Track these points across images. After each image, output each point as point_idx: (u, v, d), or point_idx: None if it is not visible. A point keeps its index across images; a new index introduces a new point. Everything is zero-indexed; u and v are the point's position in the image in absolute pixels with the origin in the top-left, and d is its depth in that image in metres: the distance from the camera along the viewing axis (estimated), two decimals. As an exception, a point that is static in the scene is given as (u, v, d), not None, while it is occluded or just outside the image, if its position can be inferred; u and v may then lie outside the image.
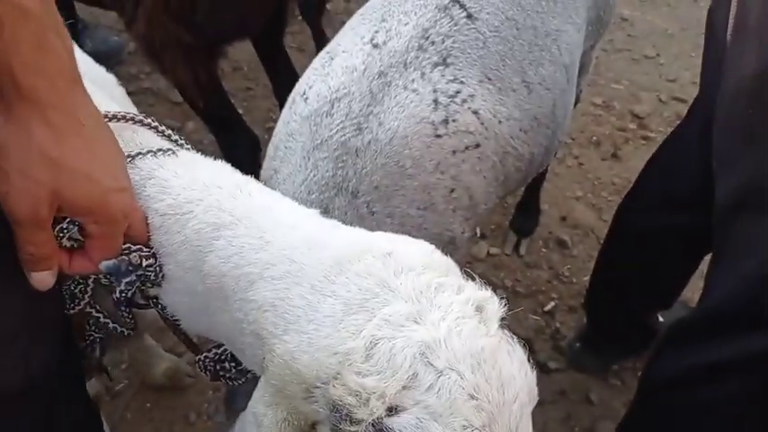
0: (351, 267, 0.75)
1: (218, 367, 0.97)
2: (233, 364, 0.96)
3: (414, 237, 1.26)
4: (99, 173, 0.76)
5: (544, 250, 2.58)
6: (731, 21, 1.31)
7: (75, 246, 0.83)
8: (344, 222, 1.15)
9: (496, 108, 1.33)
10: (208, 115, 2.03)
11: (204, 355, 0.98)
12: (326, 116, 1.22)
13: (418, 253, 0.79)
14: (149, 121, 0.93)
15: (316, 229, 0.83)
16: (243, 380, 0.98)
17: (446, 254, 1.33)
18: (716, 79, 1.35)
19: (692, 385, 1.42)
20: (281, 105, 2.38)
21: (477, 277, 0.83)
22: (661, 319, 2.11)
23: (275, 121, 2.83)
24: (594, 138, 2.98)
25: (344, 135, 1.20)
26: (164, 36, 1.74)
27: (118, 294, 0.88)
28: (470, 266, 2.75)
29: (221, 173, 0.90)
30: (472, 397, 0.69)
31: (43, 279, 0.80)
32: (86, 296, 0.93)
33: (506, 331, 0.78)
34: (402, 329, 0.70)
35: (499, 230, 2.62)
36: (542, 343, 2.27)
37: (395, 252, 0.78)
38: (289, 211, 0.87)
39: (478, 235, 2.59)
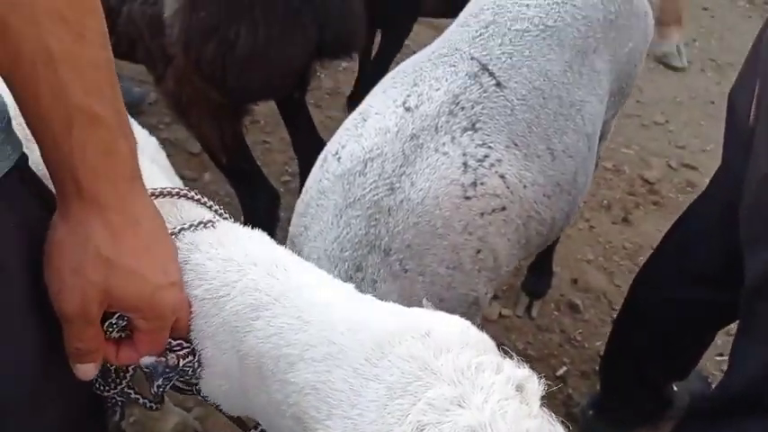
0: (392, 350, 0.75)
1: None
2: None
3: (443, 296, 1.28)
4: (150, 270, 0.75)
5: (556, 313, 2.57)
6: (754, 103, 1.34)
7: (123, 336, 0.82)
8: (378, 280, 1.15)
9: (522, 173, 1.36)
10: (230, 169, 2.06)
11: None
12: (360, 175, 1.25)
13: (456, 330, 0.79)
14: (192, 194, 0.93)
15: (353, 308, 0.83)
16: None
17: (471, 314, 1.34)
18: (739, 158, 1.38)
19: None
20: (300, 159, 2.44)
21: (515, 357, 0.83)
22: (675, 388, 2.10)
23: (291, 174, 2.91)
24: (605, 201, 3.00)
25: (377, 194, 1.22)
26: (192, 94, 1.78)
27: (155, 389, 0.87)
28: (482, 328, 2.74)
29: (257, 248, 0.89)
30: None
31: (87, 371, 0.79)
32: (125, 381, 0.91)
33: (546, 410, 0.78)
34: (447, 414, 0.69)
35: (511, 291, 2.61)
36: (554, 408, 2.22)
37: (433, 331, 0.77)
38: (324, 287, 0.86)
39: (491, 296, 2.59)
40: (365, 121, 1.34)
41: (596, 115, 1.53)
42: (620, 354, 1.98)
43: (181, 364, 0.84)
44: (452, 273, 1.28)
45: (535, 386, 0.77)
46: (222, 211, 0.97)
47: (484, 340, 0.82)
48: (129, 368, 0.90)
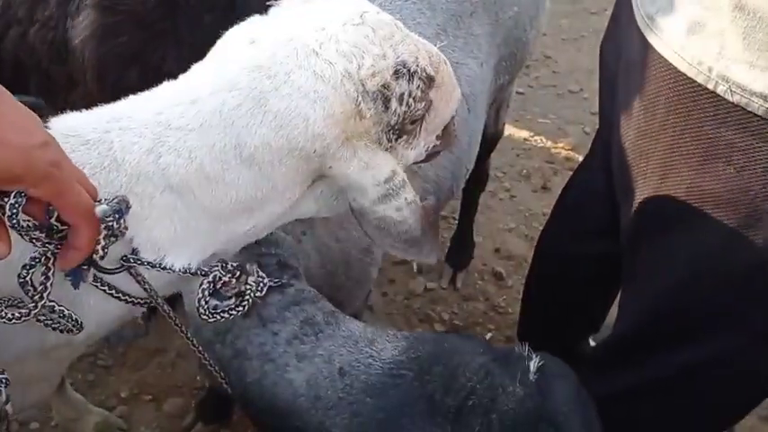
0: None
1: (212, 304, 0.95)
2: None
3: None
4: (12, 134, 0.71)
5: (480, 282, 2.62)
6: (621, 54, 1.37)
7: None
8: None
9: None
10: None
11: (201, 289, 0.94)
12: None
13: None
14: None
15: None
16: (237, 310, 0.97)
17: (364, 263, 1.37)
18: (611, 110, 1.42)
19: (612, 409, 1.45)
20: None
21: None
22: (592, 342, 2.15)
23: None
24: (525, 171, 3.06)
25: None
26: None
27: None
28: (408, 302, 2.74)
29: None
30: None
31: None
32: (45, 294, 0.86)
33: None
34: None
35: (435, 265, 2.65)
36: (480, 373, 2.28)
37: None
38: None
39: (416, 270, 2.62)
40: None
41: (475, 78, 1.56)
42: (532, 315, 2.03)
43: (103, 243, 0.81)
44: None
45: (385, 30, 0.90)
46: None
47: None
48: (47, 283, 0.84)
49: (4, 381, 0.95)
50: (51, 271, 0.82)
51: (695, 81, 1.10)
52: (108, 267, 0.86)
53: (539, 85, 3.52)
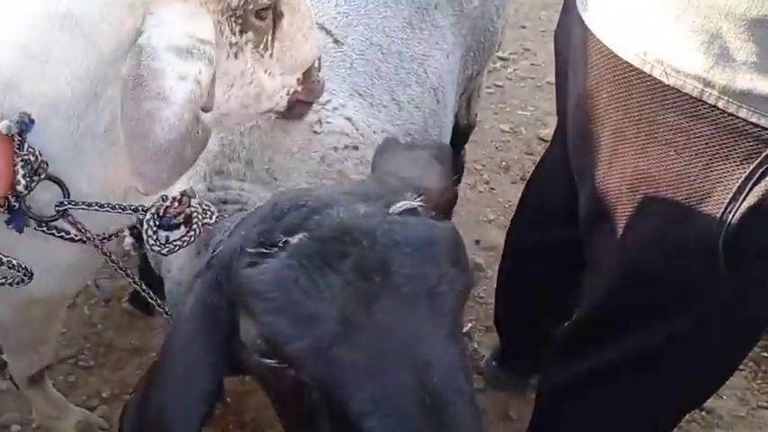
0: None
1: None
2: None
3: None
4: None
5: (460, 274, 2.62)
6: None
7: None
8: (245, 180, 1.20)
9: (370, 120, 1.40)
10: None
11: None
12: None
13: None
14: None
15: None
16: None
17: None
18: (564, 98, 1.42)
19: (575, 393, 1.47)
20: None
21: None
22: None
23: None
24: (504, 163, 3.08)
25: None
26: None
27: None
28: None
29: None
30: None
31: None
32: None
33: None
34: None
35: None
36: (461, 363, 2.29)
37: None
38: None
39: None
40: None
41: (442, 69, 1.57)
42: (506, 304, 2.04)
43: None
44: None
45: None
46: None
47: None
48: None
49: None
50: None
51: (632, 65, 1.10)
52: (45, 216, 0.87)
53: (517, 78, 3.54)
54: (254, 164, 1.24)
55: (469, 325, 2.43)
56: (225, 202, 1.18)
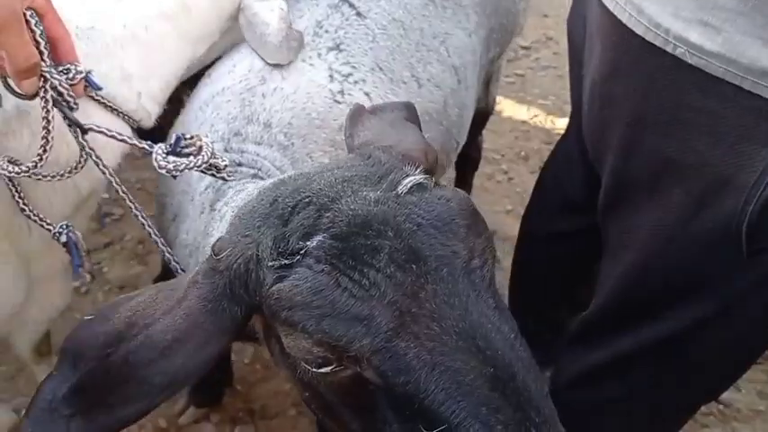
0: None
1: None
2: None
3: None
4: None
5: (475, 264, 2.57)
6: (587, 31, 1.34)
7: None
8: (262, 143, 1.23)
9: (389, 96, 1.36)
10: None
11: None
12: (228, 73, 1.31)
13: None
14: None
15: None
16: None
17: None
18: (579, 83, 1.38)
19: (592, 382, 1.43)
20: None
21: None
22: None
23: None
24: (523, 153, 3.02)
25: (249, 83, 1.27)
26: None
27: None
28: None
29: None
30: None
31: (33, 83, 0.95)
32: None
33: None
34: None
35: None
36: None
37: None
38: None
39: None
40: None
41: (464, 48, 1.52)
42: (521, 294, 2.00)
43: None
44: None
45: None
46: None
47: None
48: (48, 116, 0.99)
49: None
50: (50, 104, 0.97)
51: (653, 44, 1.06)
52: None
53: (539, 67, 3.47)
54: (272, 126, 1.22)
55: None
56: (240, 164, 1.16)
